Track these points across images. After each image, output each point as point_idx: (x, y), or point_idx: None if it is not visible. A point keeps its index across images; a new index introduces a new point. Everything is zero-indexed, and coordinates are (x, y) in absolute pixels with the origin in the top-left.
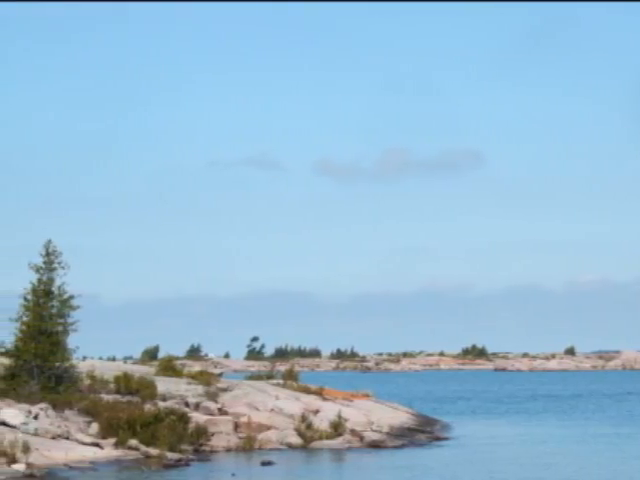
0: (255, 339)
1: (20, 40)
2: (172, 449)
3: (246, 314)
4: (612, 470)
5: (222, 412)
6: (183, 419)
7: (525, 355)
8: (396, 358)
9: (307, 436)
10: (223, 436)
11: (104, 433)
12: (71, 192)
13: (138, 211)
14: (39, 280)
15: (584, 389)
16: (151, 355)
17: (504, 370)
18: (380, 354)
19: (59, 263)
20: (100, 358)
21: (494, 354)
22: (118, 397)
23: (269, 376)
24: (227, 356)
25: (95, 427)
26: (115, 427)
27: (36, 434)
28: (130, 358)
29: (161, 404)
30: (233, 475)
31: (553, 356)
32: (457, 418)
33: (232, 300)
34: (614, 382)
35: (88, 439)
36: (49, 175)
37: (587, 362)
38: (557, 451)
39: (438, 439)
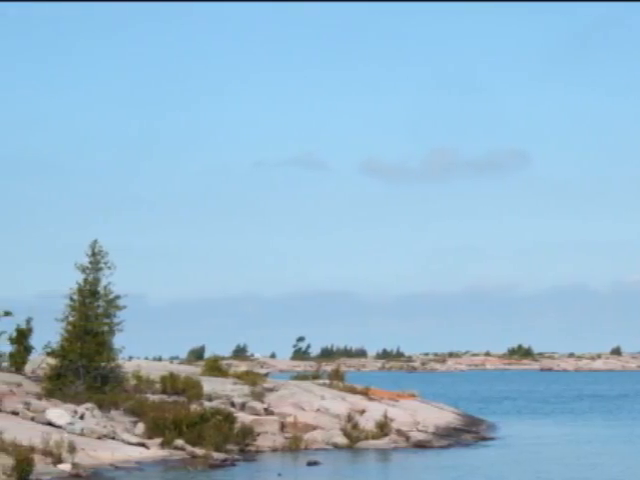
0: (301, 339)
1: (68, 40)
2: (218, 449)
3: (292, 314)
4: None
5: (268, 412)
6: (229, 419)
7: (571, 355)
8: (442, 358)
9: (353, 436)
10: (269, 436)
11: (150, 433)
12: (118, 192)
13: (185, 211)
14: (85, 280)
15: (630, 389)
16: (197, 355)
17: (550, 370)
18: (426, 354)
19: (105, 263)
20: (146, 358)
21: (540, 354)
22: (164, 397)
23: (315, 376)
24: (273, 356)
25: (141, 427)
26: (161, 427)
27: (82, 434)
28: (176, 358)
29: (207, 404)
30: (279, 475)
31: (599, 356)
32: (503, 418)
33: (278, 300)
34: None
35: (134, 439)
36: (97, 175)
37: (633, 362)
38: (603, 451)
39: (484, 439)
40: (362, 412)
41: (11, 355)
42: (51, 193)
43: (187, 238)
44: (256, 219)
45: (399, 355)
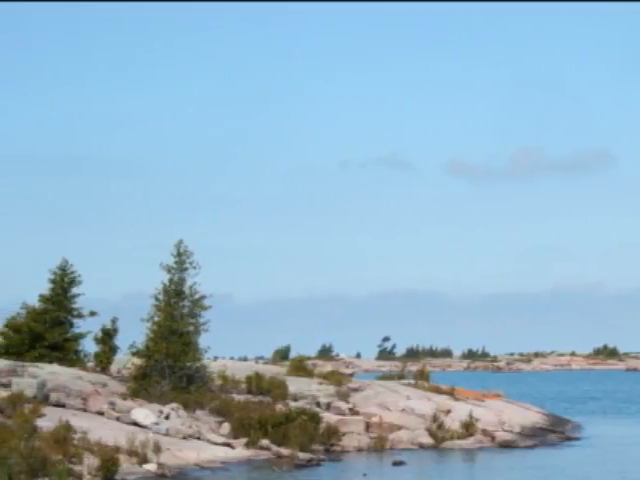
0: (386, 339)
1: (154, 41)
2: (303, 449)
3: (378, 314)
4: None
5: (353, 412)
6: (314, 419)
7: None
8: (527, 358)
9: (438, 436)
10: (354, 436)
11: (235, 433)
12: (204, 192)
13: (270, 211)
14: (170, 280)
15: None
16: (282, 355)
17: (635, 370)
18: (511, 354)
19: (190, 263)
20: (232, 358)
21: (626, 354)
22: (250, 397)
23: (400, 376)
24: (358, 356)
25: (226, 427)
26: (246, 427)
27: (167, 434)
28: (262, 358)
29: (292, 404)
30: (364, 475)
31: None
32: (588, 418)
33: (364, 300)
34: None
35: (219, 439)
36: (182, 175)
37: None
38: None
39: (569, 439)
40: (447, 412)
41: (96, 355)
42: (137, 193)
43: (273, 238)
44: (341, 219)
45: (484, 355)
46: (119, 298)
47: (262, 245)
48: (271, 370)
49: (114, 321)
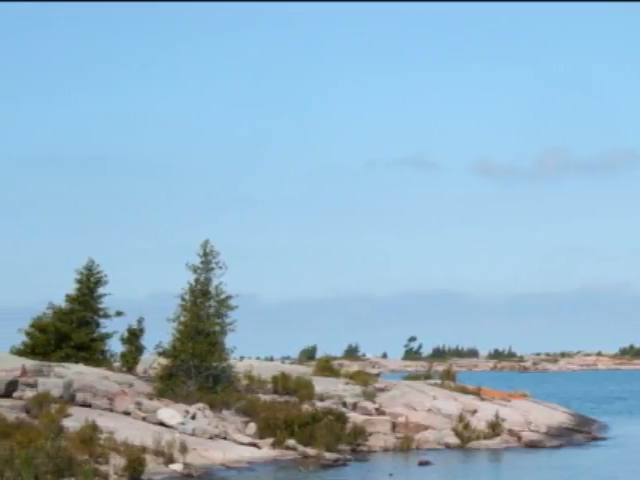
0: (413, 339)
1: (179, 40)
2: (329, 449)
3: (404, 314)
4: None
5: (379, 412)
6: (341, 419)
7: None
8: (554, 358)
9: (465, 436)
10: (380, 436)
11: (261, 433)
12: (230, 192)
13: (297, 211)
14: (197, 280)
15: None
16: (309, 355)
17: None
18: (538, 354)
19: (216, 263)
20: (258, 358)
21: None
22: (276, 397)
23: (426, 376)
24: (385, 356)
25: (252, 427)
26: (273, 427)
27: (193, 434)
28: (288, 358)
29: (319, 404)
30: (391, 475)
31: None
32: (615, 418)
33: (390, 300)
34: None
35: (246, 439)
36: (208, 175)
37: None
38: None
39: (595, 439)
40: (474, 412)
41: (123, 355)
42: (162, 193)
43: (299, 238)
44: (368, 219)
45: (511, 355)
46: (145, 298)
47: (288, 245)
48: (297, 370)
49: (140, 321)
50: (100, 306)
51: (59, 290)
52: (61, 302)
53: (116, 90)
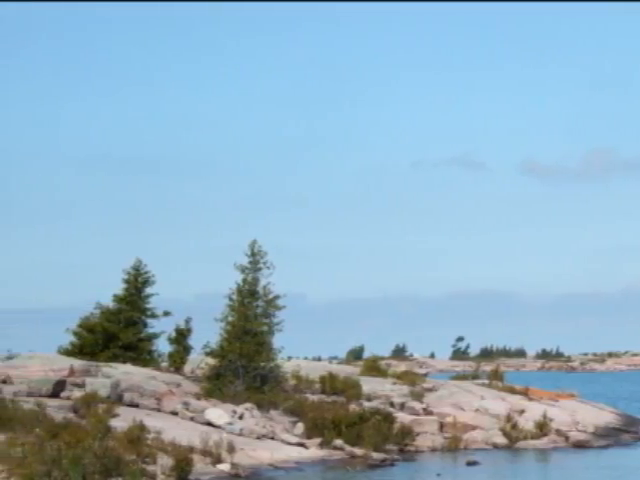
0: (460, 339)
1: (228, 40)
2: (377, 449)
3: (451, 314)
4: None
5: (427, 412)
6: (388, 419)
7: None
8: (601, 358)
9: (512, 436)
10: (428, 436)
11: (309, 433)
12: (277, 192)
13: (343, 211)
14: (244, 280)
15: None
16: (356, 355)
17: None
18: (585, 354)
19: (264, 263)
20: (305, 358)
21: None
22: (323, 397)
23: (474, 376)
24: (432, 356)
25: (300, 427)
26: (320, 427)
27: (241, 434)
28: (335, 358)
29: (366, 404)
30: (438, 475)
31: None
32: None
33: (437, 300)
34: None
35: (293, 439)
36: (256, 175)
37: None
38: None
39: None
40: (521, 412)
41: (170, 355)
42: (210, 193)
43: (346, 238)
44: (414, 219)
45: (558, 355)
46: (192, 298)
47: (335, 245)
48: (345, 370)
49: (188, 321)
50: (147, 306)
51: (107, 290)
52: (109, 302)
53: (166, 90)
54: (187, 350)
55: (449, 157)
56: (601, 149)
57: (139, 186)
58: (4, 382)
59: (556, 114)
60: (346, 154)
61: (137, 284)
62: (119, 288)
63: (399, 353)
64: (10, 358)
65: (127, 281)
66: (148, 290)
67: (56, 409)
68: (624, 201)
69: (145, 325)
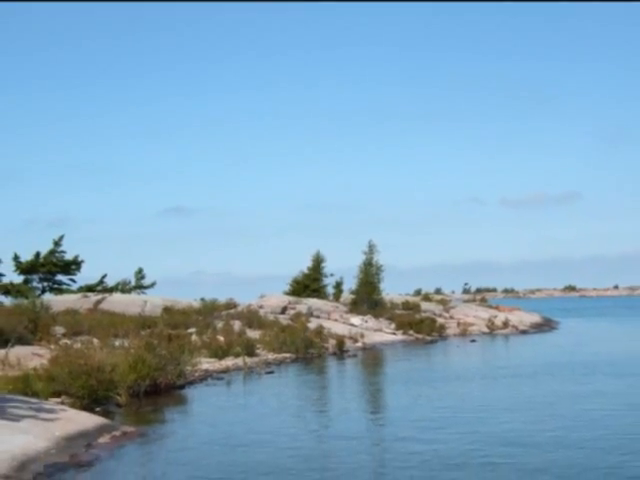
0: (467, 284)
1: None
2: (429, 335)
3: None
4: None
5: (451, 317)
6: (433, 321)
7: None
8: (534, 291)
9: (491, 328)
10: (452, 329)
11: (397, 328)
12: None
13: None
14: (366, 259)
15: None
16: (418, 292)
17: None
18: (529, 289)
19: (377, 252)
20: (399, 294)
21: None
22: (403, 311)
23: (473, 301)
24: (453, 292)
25: (393, 326)
26: (402, 325)
27: (366, 329)
28: (408, 294)
29: (422, 314)
30: (457, 346)
31: None
32: (566, 319)
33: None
34: None
35: (389, 331)
36: None
37: None
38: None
39: (553, 329)
40: (495, 317)
41: (334, 294)
42: None
43: None
44: None
45: (514, 291)
46: (346, 268)
47: None
48: (412, 299)
49: (341, 278)
50: (322, 271)
51: (302, 265)
52: (304, 270)
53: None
54: (341, 291)
55: None
56: None
57: None
58: (261, 307)
59: None
60: None
61: (318, 264)
62: (307, 267)
63: (438, 291)
64: (262, 297)
65: (313, 261)
66: (323, 265)
67: (283, 319)
68: None
69: (321, 280)
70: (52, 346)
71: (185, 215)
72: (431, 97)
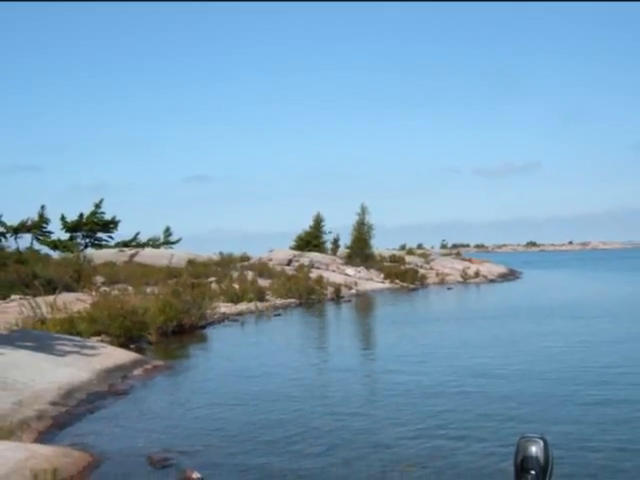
0: (444, 240)
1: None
2: (412, 283)
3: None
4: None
5: (431, 268)
6: (416, 271)
7: None
8: (500, 246)
9: (464, 278)
10: (432, 278)
11: (385, 277)
12: None
13: None
14: (360, 219)
15: None
16: (403, 247)
17: None
18: (498, 245)
19: (368, 214)
20: (387, 249)
21: None
22: (390, 263)
23: (449, 254)
24: (432, 247)
25: (381, 275)
26: (389, 275)
27: (359, 278)
28: (395, 249)
29: (408, 265)
30: (449, 289)
31: None
32: (528, 270)
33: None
34: None
35: (379, 280)
36: None
37: None
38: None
39: (517, 278)
40: (468, 268)
41: (332, 249)
42: None
43: None
44: None
45: (482, 246)
46: (343, 226)
47: None
48: (399, 253)
49: (337, 236)
50: (322, 230)
51: (305, 224)
52: (306, 229)
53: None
54: (338, 246)
55: None
56: None
57: None
58: (270, 260)
59: None
60: None
61: (318, 223)
62: (309, 226)
63: (419, 247)
64: (271, 251)
65: (314, 221)
66: (322, 224)
67: (289, 270)
68: None
69: (320, 237)
70: (93, 293)
71: (206, 181)
72: (415, 82)
